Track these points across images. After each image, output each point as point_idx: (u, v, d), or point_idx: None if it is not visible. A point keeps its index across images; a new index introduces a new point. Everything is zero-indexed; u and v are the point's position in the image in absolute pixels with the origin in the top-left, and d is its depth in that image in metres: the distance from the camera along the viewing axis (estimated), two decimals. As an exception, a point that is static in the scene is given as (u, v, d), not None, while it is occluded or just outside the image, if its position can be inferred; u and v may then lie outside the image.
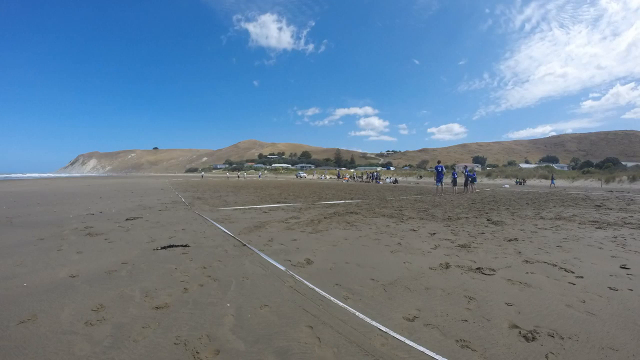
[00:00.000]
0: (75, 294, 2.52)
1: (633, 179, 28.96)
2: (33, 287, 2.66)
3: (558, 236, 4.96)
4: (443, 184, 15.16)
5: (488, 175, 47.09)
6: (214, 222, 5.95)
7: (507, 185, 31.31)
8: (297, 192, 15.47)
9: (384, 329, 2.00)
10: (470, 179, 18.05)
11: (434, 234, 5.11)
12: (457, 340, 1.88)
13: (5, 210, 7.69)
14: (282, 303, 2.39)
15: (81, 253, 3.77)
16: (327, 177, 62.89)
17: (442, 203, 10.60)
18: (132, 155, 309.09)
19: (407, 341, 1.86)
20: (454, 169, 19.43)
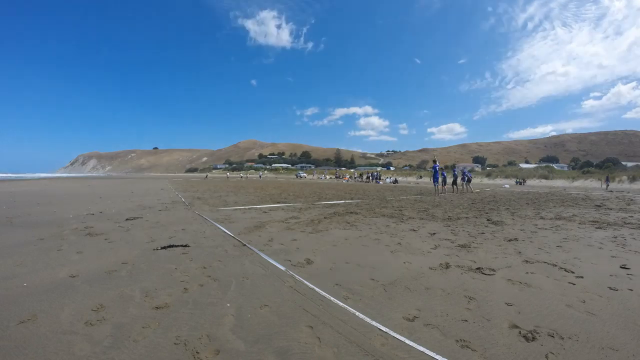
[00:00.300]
0: (75, 294, 2.52)
1: (633, 179, 28.96)
2: (33, 287, 2.66)
3: (558, 236, 4.96)
4: (439, 183, 15.09)
5: (488, 175, 47.08)
6: (214, 222, 5.95)
7: (507, 186, 31.31)
8: (297, 192, 15.48)
9: (384, 329, 2.00)
10: (466, 179, 18.12)
11: (434, 234, 5.11)
12: (457, 340, 1.88)
13: (5, 210, 7.69)
14: (282, 303, 2.39)
15: (81, 253, 3.77)
16: (327, 177, 62.95)
17: (442, 203, 10.60)
18: (132, 155, 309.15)
19: (407, 341, 1.86)
20: (453, 169, 19.44)
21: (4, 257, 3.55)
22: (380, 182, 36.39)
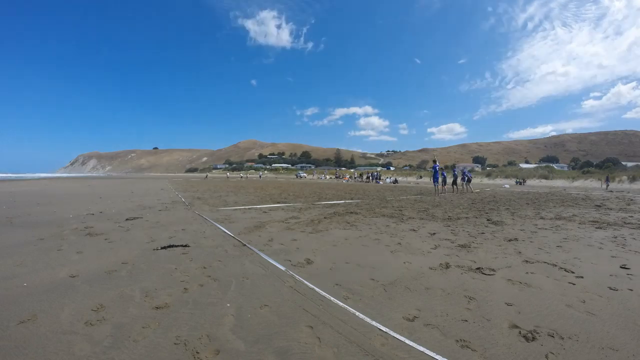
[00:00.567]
0: (75, 294, 2.52)
1: (633, 179, 28.96)
2: (33, 287, 2.66)
3: (558, 236, 4.96)
4: (439, 183, 15.05)
5: (488, 175, 47.07)
6: (214, 222, 5.95)
7: (507, 185, 31.31)
8: (297, 192, 15.48)
9: (384, 329, 2.00)
10: (466, 179, 18.19)
11: (434, 234, 5.11)
12: (457, 340, 1.88)
13: (5, 210, 7.69)
14: (282, 303, 2.39)
15: (81, 253, 3.77)
16: (327, 177, 63.00)
17: (442, 203, 10.61)
18: (132, 155, 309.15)
19: (407, 341, 1.86)
20: (453, 169, 19.54)
21: (4, 257, 3.55)
22: (380, 182, 36.40)
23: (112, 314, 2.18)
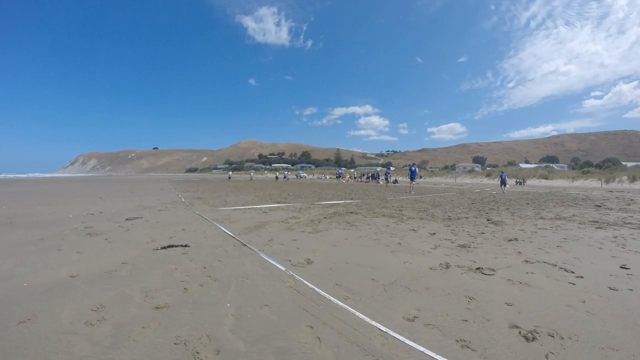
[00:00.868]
0: (75, 294, 2.52)
1: (633, 179, 28.94)
2: (33, 287, 2.66)
3: (558, 236, 4.96)
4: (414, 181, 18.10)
5: (488, 175, 47.06)
6: (214, 222, 5.95)
7: (507, 185, 31.29)
8: (297, 192, 15.48)
9: (384, 329, 2.00)
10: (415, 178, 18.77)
11: (434, 234, 5.11)
12: (457, 340, 1.88)
13: (5, 210, 7.69)
14: (282, 303, 2.39)
15: (81, 253, 3.77)
16: (327, 177, 63.00)
17: (442, 203, 10.61)
18: (132, 155, 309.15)
19: (407, 341, 1.86)
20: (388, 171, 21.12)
21: (4, 257, 3.55)
22: (381, 182, 36.35)
23: (112, 314, 2.18)
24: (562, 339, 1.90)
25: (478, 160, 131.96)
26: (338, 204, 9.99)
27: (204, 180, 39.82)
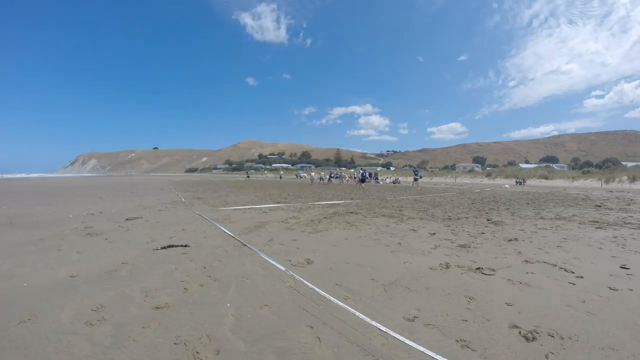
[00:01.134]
0: (75, 294, 2.52)
1: (633, 179, 28.94)
2: (33, 287, 2.66)
3: (558, 236, 4.96)
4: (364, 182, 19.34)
5: (488, 175, 47.07)
6: (214, 222, 5.95)
7: (507, 185, 31.32)
8: (297, 192, 15.48)
9: (384, 329, 2.00)
10: (362, 177, 20.22)
11: (434, 234, 5.11)
12: (457, 340, 1.88)
13: (5, 210, 7.69)
14: (282, 303, 2.39)
15: (81, 253, 3.77)
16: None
17: (442, 203, 10.61)
18: (132, 155, 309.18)
19: (407, 341, 1.86)
20: (362, 170, 21.52)
21: (4, 257, 3.55)
22: (380, 182, 36.34)
23: (112, 314, 2.18)
24: (562, 339, 1.90)
25: (478, 160, 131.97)
26: (338, 204, 9.99)
27: (204, 180, 39.81)
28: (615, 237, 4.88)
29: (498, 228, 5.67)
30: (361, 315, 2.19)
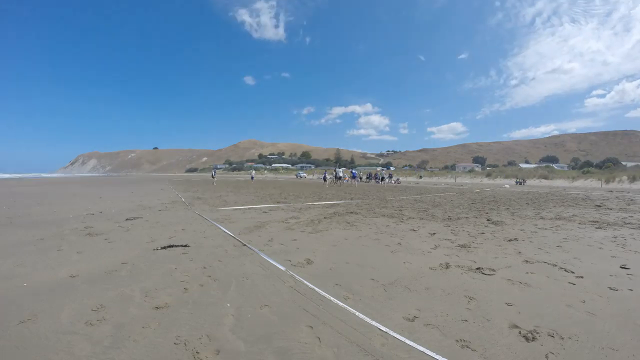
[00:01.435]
0: (75, 294, 2.52)
1: (633, 179, 28.94)
2: (33, 287, 2.66)
3: (558, 236, 4.96)
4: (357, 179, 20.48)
5: (488, 175, 47.08)
6: (214, 222, 5.95)
7: (507, 186, 31.32)
8: (297, 192, 15.48)
9: (384, 329, 2.00)
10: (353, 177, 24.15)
11: (434, 234, 5.11)
12: (457, 340, 1.88)
13: (5, 210, 7.69)
14: (282, 303, 2.39)
15: (81, 253, 3.77)
16: (328, 177, 63.05)
17: (442, 203, 10.61)
18: (132, 155, 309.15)
19: (407, 341, 1.86)
20: (352, 171, 22.91)
21: (4, 257, 3.55)
22: (381, 182, 36.30)
23: (112, 314, 2.18)
24: (562, 339, 1.90)
25: (478, 160, 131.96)
26: (338, 204, 9.99)
27: (204, 180, 39.82)
28: (615, 237, 4.89)
29: (498, 228, 5.67)
30: (361, 315, 2.19)
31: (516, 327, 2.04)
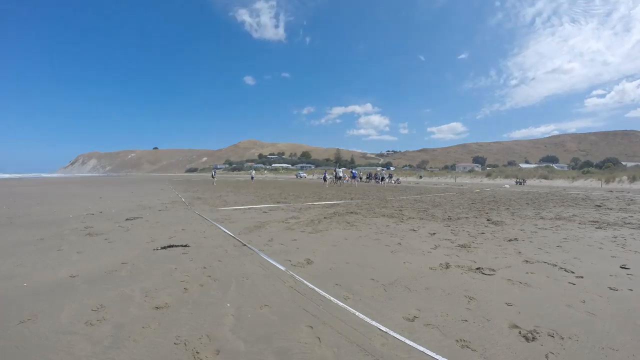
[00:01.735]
0: (75, 294, 2.52)
1: (633, 179, 28.94)
2: (33, 287, 2.66)
3: (558, 236, 4.96)
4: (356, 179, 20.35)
5: (488, 175, 47.07)
6: (214, 222, 5.95)
7: (507, 185, 31.32)
8: (297, 192, 15.47)
9: (384, 329, 2.00)
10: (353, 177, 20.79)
11: (434, 234, 5.11)
12: (457, 340, 1.88)
13: (5, 210, 7.69)
14: (282, 303, 2.39)
15: (81, 253, 3.77)
16: (327, 177, 63.07)
17: (442, 203, 10.61)
18: (132, 155, 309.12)
19: (407, 341, 1.86)
20: (353, 171, 22.64)
21: (4, 257, 3.55)
22: (381, 183, 36.29)
23: (112, 314, 2.18)
24: (562, 339, 1.90)
25: (478, 160, 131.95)
26: (338, 204, 9.99)
27: (204, 180, 39.82)
28: (615, 237, 4.89)
29: (498, 228, 5.67)
30: (361, 315, 2.19)
31: (516, 327, 2.04)
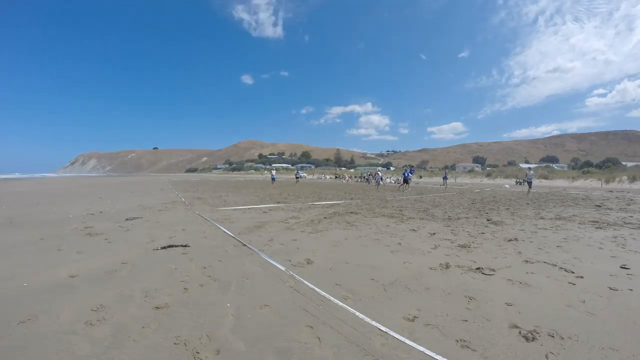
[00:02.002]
0: (75, 294, 2.52)
1: (633, 179, 28.94)
2: (33, 287, 2.66)
3: (558, 236, 4.96)
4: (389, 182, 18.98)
5: (488, 175, 47.08)
6: (214, 222, 5.95)
7: (507, 185, 31.32)
8: (297, 192, 15.47)
9: (384, 329, 2.00)
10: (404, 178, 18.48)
11: (434, 234, 5.11)
12: (457, 340, 1.88)
13: (5, 210, 7.69)
14: (282, 303, 2.39)
15: (81, 253, 3.77)
16: (327, 177, 63.07)
17: (442, 203, 10.61)
18: (132, 155, 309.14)
19: (407, 341, 1.86)
20: (405, 170, 21.00)
21: (4, 257, 3.55)
22: (381, 183, 36.19)
23: (112, 314, 2.18)
24: (562, 339, 1.90)
25: (478, 160, 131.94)
26: (338, 204, 9.99)
27: (204, 180, 39.83)
28: (615, 237, 4.88)
29: (498, 228, 5.67)
30: (361, 315, 2.19)
31: (516, 327, 2.04)
